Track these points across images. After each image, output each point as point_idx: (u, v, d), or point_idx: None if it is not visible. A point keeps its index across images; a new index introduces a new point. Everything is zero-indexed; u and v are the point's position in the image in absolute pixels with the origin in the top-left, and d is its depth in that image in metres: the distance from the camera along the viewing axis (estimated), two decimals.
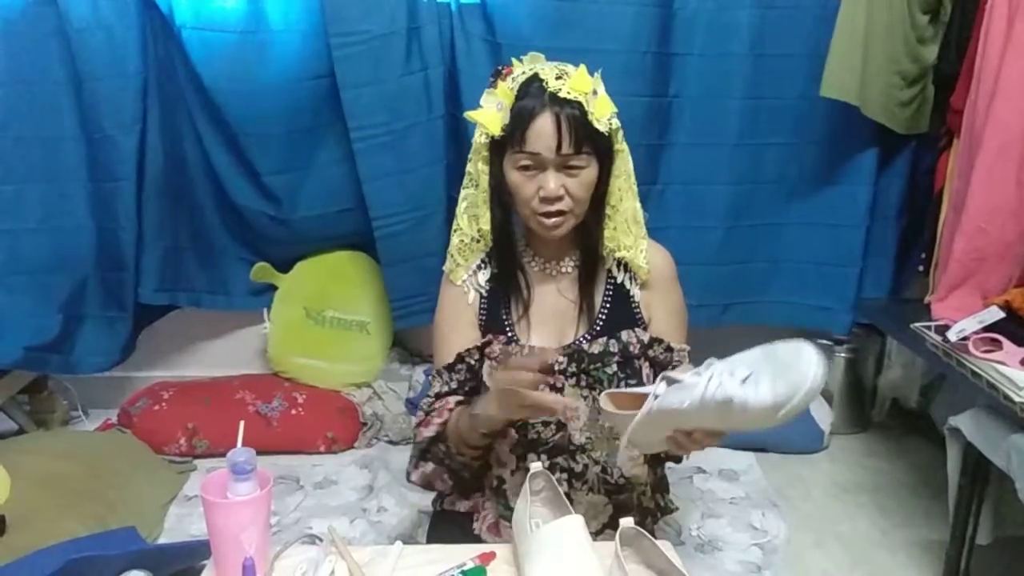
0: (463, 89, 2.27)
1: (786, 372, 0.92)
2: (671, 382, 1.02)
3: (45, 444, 2.26)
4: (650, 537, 0.99)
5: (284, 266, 2.57)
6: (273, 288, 2.57)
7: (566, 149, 1.20)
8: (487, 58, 2.26)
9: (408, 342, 2.74)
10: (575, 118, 1.19)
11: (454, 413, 1.29)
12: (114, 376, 2.56)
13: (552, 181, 1.21)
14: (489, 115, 1.25)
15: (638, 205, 1.33)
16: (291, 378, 2.60)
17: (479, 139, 1.28)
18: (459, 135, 2.32)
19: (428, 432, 1.29)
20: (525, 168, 1.23)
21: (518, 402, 1.10)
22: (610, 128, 1.24)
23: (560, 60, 1.29)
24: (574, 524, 0.99)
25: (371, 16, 2.18)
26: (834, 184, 2.44)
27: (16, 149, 2.28)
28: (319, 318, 2.60)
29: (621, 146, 1.29)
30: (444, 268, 1.40)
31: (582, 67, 1.24)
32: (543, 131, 1.19)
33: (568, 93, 1.20)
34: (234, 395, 2.49)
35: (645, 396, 1.05)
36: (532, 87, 1.22)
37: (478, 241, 1.35)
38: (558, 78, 1.21)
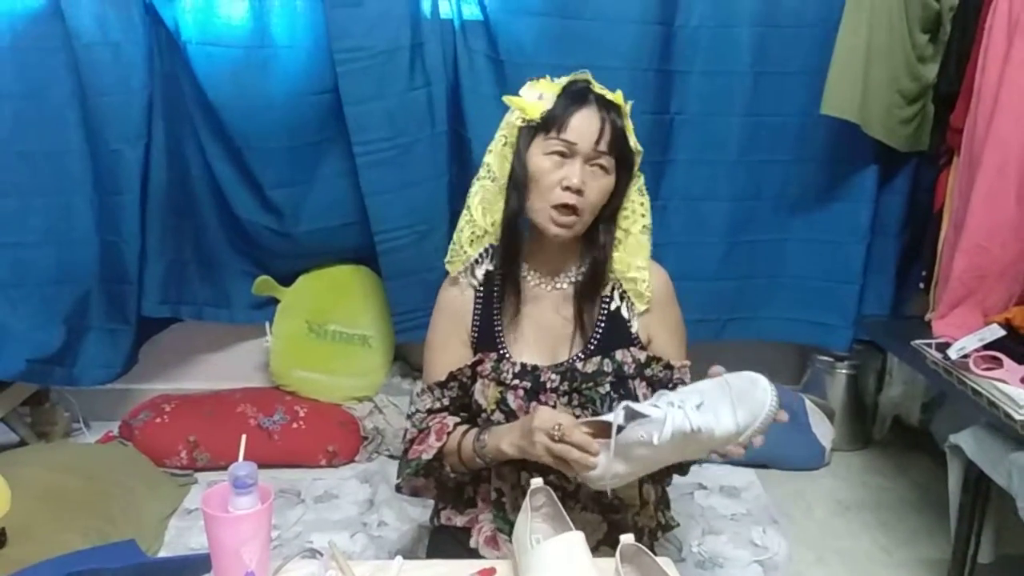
0: (466, 105, 2.28)
1: (745, 400, 1.04)
2: (632, 414, 1.05)
3: (46, 456, 2.26)
4: (650, 554, 0.99)
5: (286, 280, 2.58)
6: (275, 301, 2.58)
7: (602, 146, 1.25)
8: (490, 75, 2.28)
9: (410, 356, 2.74)
10: (616, 123, 1.27)
11: (454, 435, 1.30)
12: (116, 388, 2.56)
13: (578, 172, 1.24)
14: (530, 102, 1.29)
15: (647, 238, 1.36)
16: (292, 391, 2.60)
17: (514, 121, 1.30)
18: (461, 151, 2.33)
19: (427, 456, 1.29)
20: (556, 154, 1.26)
21: (549, 450, 1.12)
22: (636, 147, 1.31)
23: (562, 76, 1.33)
24: (575, 540, 0.99)
25: (375, 32, 2.19)
26: (834, 201, 2.45)
27: (22, 163, 2.29)
28: (321, 332, 2.60)
29: (638, 172, 1.34)
30: (446, 260, 1.39)
31: (619, 91, 1.31)
32: (587, 121, 1.25)
33: (613, 99, 1.28)
34: (235, 408, 2.49)
35: (607, 424, 1.09)
36: (579, 84, 1.29)
37: (488, 234, 1.35)
38: (602, 88, 1.30)
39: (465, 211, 1.36)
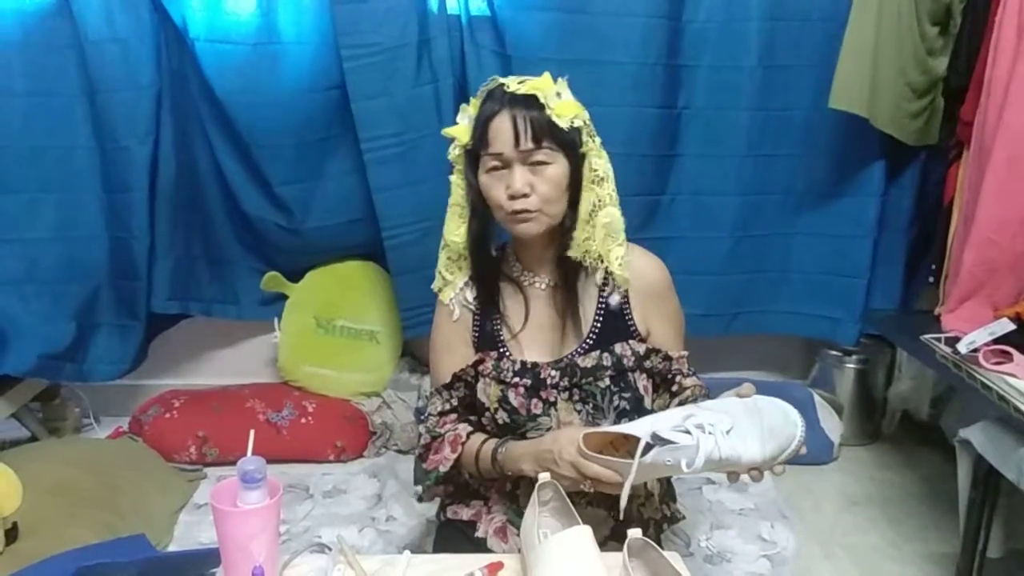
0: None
1: (776, 435, 1.04)
2: (660, 441, 1.03)
3: (57, 452, 2.28)
4: (658, 548, 0.99)
5: (294, 276, 2.58)
6: (283, 297, 2.59)
7: (524, 144, 1.22)
8: (497, 70, 2.26)
9: (417, 351, 2.74)
10: (533, 115, 1.22)
11: (469, 445, 1.31)
12: (125, 384, 2.58)
13: (518, 179, 1.23)
14: (461, 128, 1.30)
15: (617, 212, 1.30)
16: (301, 387, 2.61)
17: (452, 152, 1.33)
18: None
19: (444, 468, 1.31)
20: (493, 170, 1.25)
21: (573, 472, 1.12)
22: (572, 124, 1.24)
23: (570, 72, 1.31)
24: (582, 534, 0.99)
25: (382, 28, 2.20)
26: (842, 195, 2.44)
27: (32, 159, 2.30)
28: (329, 327, 2.61)
29: (591, 150, 1.28)
30: (433, 287, 1.41)
31: (546, 73, 1.28)
32: (501, 128, 1.22)
33: (527, 91, 1.23)
34: (244, 404, 2.50)
35: (621, 435, 1.09)
36: (495, 92, 1.26)
37: (464, 258, 1.37)
38: (520, 82, 1.25)
39: (442, 238, 1.39)
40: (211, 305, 2.59)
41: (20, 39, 2.22)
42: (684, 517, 1.50)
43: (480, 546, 1.35)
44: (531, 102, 1.23)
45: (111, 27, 2.21)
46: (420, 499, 1.42)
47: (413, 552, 1.12)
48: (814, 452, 2.46)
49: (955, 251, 2.05)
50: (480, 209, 1.30)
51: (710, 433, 1.02)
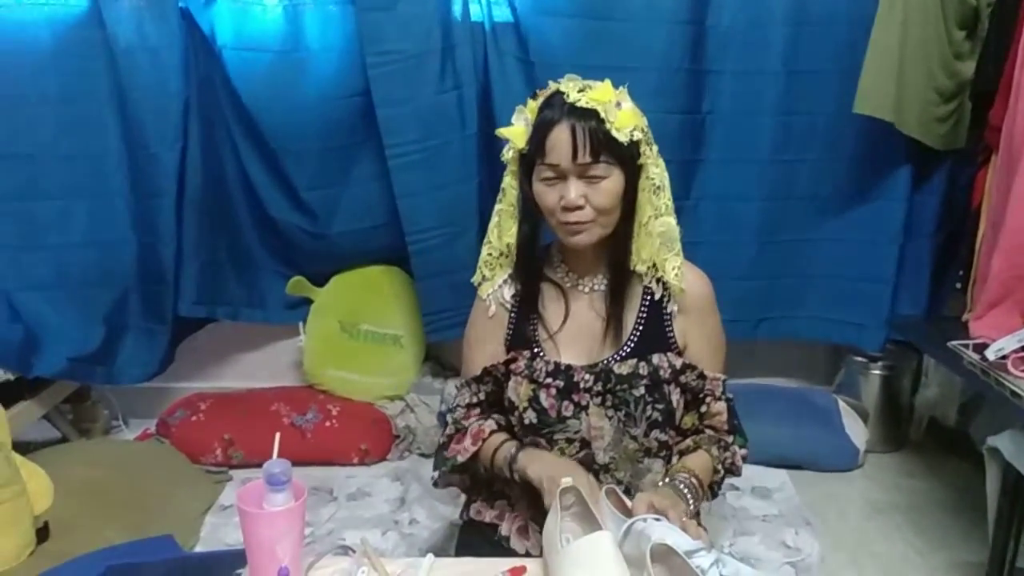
0: (496, 107, 2.30)
1: None
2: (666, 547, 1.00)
3: (87, 453, 2.32)
4: (681, 555, 0.98)
5: (320, 280, 2.61)
6: (309, 302, 2.61)
7: (582, 158, 1.21)
8: (520, 77, 2.28)
9: (440, 356, 2.76)
10: (592, 127, 1.21)
11: (488, 443, 1.33)
12: (153, 387, 2.61)
13: (572, 190, 1.22)
14: (517, 131, 1.29)
15: (673, 222, 1.31)
16: (325, 390, 2.63)
17: (507, 154, 1.32)
18: (492, 153, 2.34)
19: (462, 458, 1.32)
20: (548, 179, 1.25)
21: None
22: (631, 139, 1.23)
23: (593, 78, 1.29)
24: (605, 539, 0.99)
25: (406, 35, 2.22)
26: (867, 200, 2.42)
27: (63, 166, 2.35)
28: (353, 331, 2.63)
29: (648, 159, 1.27)
30: (473, 280, 1.41)
31: (606, 81, 1.26)
32: (560, 140, 1.21)
33: (587, 103, 1.21)
34: (269, 407, 2.52)
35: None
36: (554, 100, 1.25)
37: (505, 255, 1.37)
38: (580, 91, 1.23)
39: (487, 235, 1.39)
40: (237, 309, 2.62)
41: (52, 47, 2.26)
42: (706, 529, 1.49)
43: (502, 549, 1.35)
44: (591, 114, 1.21)
45: (141, 36, 2.25)
46: (435, 484, 1.42)
47: (436, 555, 1.12)
48: (838, 458, 2.48)
49: (983, 257, 2.02)
50: (532, 213, 1.29)
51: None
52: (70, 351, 2.35)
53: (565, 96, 1.23)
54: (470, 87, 2.30)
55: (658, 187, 1.29)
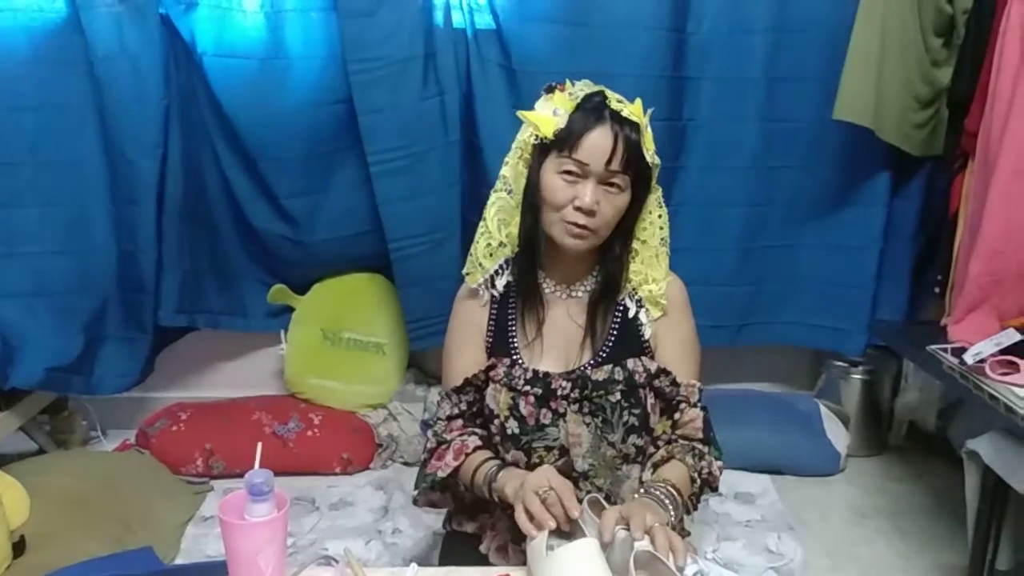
0: (479, 114, 2.30)
1: None
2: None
3: (65, 464, 2.28)
4: (664, 561, 0.99)
5: (301, 288, 2.59)
6: (290, 310, 2.60)
7: (615, 166, 1.22)
8: (503, 83, 2.29)
9: (423, 363, 2.75)
10: (630, 140, 1.22)
11: (470, 460, 1.29)
12: (133, 397, 2.59)
13: (590, 193, 1.22)
14: (545, 118, 1.26)
15: (665, 249, 1.35)
16: (307, 399, 2.61)
17: (527, 138, 1.28)
18: (474, 159, 2.34)
19: (443, 473, 1.29)
20: (568, 174, 1.24)
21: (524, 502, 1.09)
22: (653, 161, 1.27)
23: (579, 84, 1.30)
24: (589, 547, 0.99)
25: (388, 42, 2.21)
26: (847, 206, 2.45)
27: (41, 173, 2.32)
28: (335, 339, 2.61)
29: (656, 185, 1.31)
30: (464, 271, 1.38)
31: (638, 100, 1.27)
32: (599, 142, 1.21)
33: (629, 115, 1.23)
34: (251, 416, 2.50)
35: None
36: (594, 100, 1.25)
37: (504, 246, 1.36)
38: (620, 101, 1.25)
39: (482, 223, 1.36)
40: (218, 318, 2.60)
41: (30, 55, 2.24)
42: (690, 533, 1.49)
43: (484, 559, 1.35)
44: (633, 126, 1.23)
45: (120, 43, 2.23)
46: (415, 502, 1.41)
47: (420, 565, 1.12)
48: (820, 463, 2.49)
49: (960, 262, 2.05)
50: (536, 203, 1.28)
51: None
52: (47, 361, 2.31)
53: (607, 101, 1.24)
54: (452, 94, 2.30)
55: (661, 212, 1.34)
